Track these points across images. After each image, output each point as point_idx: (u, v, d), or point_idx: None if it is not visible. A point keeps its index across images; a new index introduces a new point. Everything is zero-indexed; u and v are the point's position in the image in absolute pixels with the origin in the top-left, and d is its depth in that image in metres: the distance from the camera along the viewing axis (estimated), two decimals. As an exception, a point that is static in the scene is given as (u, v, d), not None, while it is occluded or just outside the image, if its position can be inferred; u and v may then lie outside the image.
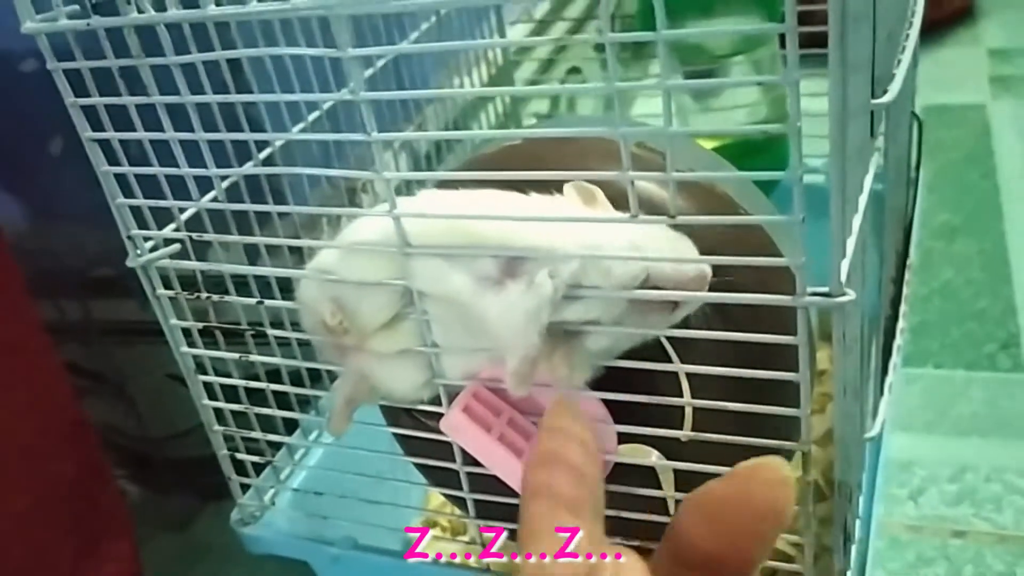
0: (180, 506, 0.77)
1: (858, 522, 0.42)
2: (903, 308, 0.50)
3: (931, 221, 0.97)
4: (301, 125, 0.50)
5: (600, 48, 0.90)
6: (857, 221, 0.32)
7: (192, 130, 0.36)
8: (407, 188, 0.50)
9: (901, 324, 0.49)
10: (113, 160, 0.38)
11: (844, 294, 0.29)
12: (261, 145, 0.46)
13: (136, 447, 0.76)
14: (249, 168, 0.41)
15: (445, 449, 0.39)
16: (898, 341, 0.48)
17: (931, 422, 0.73)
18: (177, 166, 0.37)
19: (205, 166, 0.37)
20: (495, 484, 0.36)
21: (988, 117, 1.16)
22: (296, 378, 0.46)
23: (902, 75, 0.36)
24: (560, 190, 0.36)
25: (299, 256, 0.40)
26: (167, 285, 0.42)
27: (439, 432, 0.37)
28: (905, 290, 0.51)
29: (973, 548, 0.62)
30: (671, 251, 0.33)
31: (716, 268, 0.33)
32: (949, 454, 0.69)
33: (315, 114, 0.51)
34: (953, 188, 1.03)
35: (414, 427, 0.40)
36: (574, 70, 0.97)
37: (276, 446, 0.49)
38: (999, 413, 0.73)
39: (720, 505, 0.21)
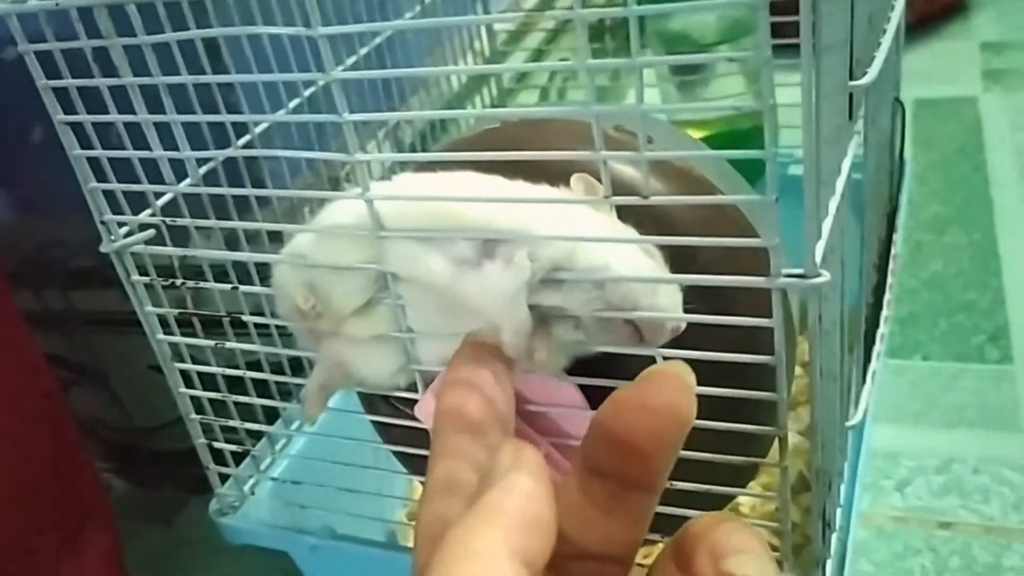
0: (165, 500, 0.76)
1: (839, 511, 0.42)
2: (887, 297, 0.50)
3: (921, 213, 0.96)
4: (280, 112, 0.50)
5: (593, 39, 0.89)
6: (834, 203, 0.31)
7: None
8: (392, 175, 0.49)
9: (885, 312, 0.49)
10: (87, 144, 0.38)
11: (819, 275, 0.29)
12: (240, 133, 0.46)
13: (120, 439, 0.76)
14: (226, 152, 0.40)
15: (422, 436, 0.39)
16: (882, 330, 0.48)
17: (919, 414, 0.72)
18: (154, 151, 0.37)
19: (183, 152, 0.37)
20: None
21: (980, 110, 1.16)
22: (277, 368, 0.45)
23: (882, 57, 0.36)
24: (544, 175, 0.36)
25: (279, 244, 0.39)
26: (144, 272, 0.42)
27: (415, 419, 0.37)
28: (890, 279, 0.51)
29: (960, 539, 0.62)
30: (666, 298, 0.33)
31: (694, 255, 0.33)
32: (936, 445, 0.69)
33: (295, 102, 0.50)
34: (944, 181, 1.02)
35: (391, 414, 0.40)
36: (563, 59, 0.96)
37: (256, 436, 0.49)
38: (987, 404, 0.72)
39: (623, 406, 0.21)
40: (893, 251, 0.53)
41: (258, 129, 0.47)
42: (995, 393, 0.73)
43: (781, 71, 0.27)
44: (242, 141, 0.46)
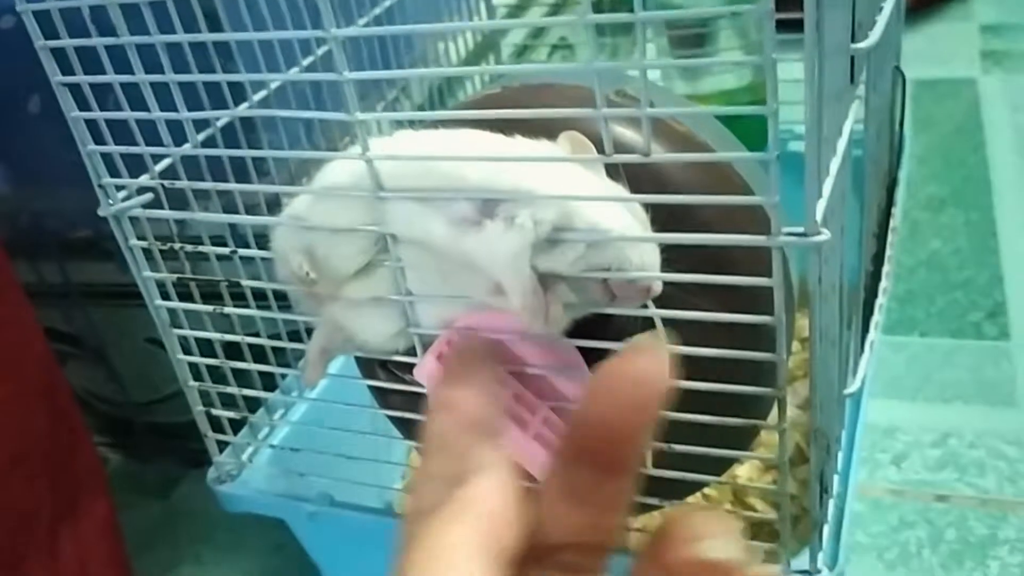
0: (161, 473, 0.76)
1: (836, 477, 0.42)
2: (886, 268, 0.50)
3: (919, 193, 0.96)
4: (280, 75, 0.50)
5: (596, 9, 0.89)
6: (835, 164, 0.31)
7: (168, 83, 0.35)
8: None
9: (884, 284, 0.49)
10: (85, 107, 0.38)
11: (820, 233, 0.29)
12: (239, 101, 0.46)
13: (117, 413, 0.76)
14: (225, 112, 0.40)
15: (420, 401, 0.39)
16: (880, 300, 0.48)
17: (916, 389, 0.73)
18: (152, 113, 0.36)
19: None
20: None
21: (979, 91, 1.16)
22: (275, 337, 0.45)
23: (884, 20, 0.36)
24: (543, 136, 0.35)
25: (278, 213, 0.39)
26: (142, 238, 0.41)
27: (413, 384, 0.37)
28: (888, 250, 0.51)
29: (955, 512, 0.62)
30: (640, 256, 0.33)
31: (695, 220, 0.32)
32: (933, 420, 0.70)
33: (294, 69, 0.50)
34: (943, 161, 1.03)
35: (389, 380, 0.40)
36: (563, 39, 0.96)
37: (254, 405, 0.49)
38: (984, 380, 0.73)
39: (605, 377, 0.21)
40: (892, 223, 0.52)
41: (257, 97, 0.47)
42: (992, 368, 0.74)
43: (780, 49, 0.27)
44: (242, 107, 0.45)
